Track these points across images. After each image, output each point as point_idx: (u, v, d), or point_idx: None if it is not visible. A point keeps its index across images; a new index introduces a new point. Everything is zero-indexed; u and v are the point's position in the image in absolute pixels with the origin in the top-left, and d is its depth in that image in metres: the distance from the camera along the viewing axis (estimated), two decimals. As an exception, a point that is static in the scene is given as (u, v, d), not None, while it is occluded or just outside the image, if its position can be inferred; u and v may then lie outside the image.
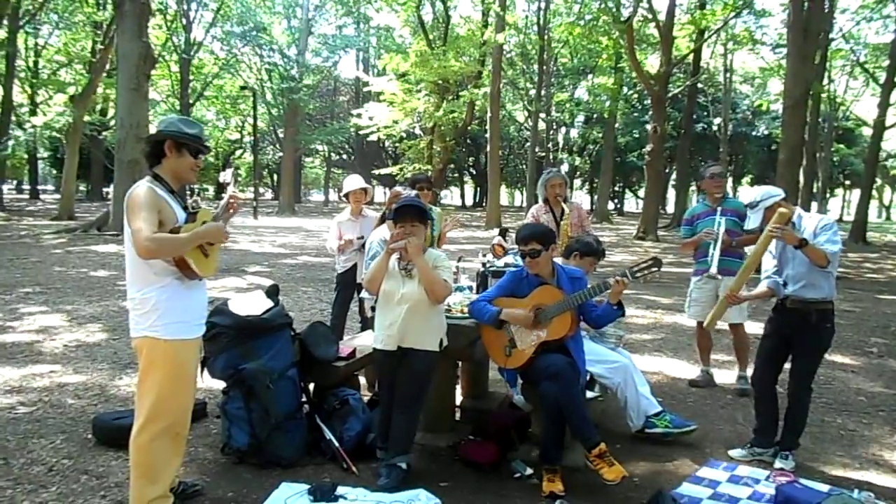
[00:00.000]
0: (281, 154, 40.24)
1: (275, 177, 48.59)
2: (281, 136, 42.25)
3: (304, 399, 3.88)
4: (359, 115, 30.02)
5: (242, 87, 36.16)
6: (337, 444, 3.63)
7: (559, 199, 5.22)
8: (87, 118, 27.49)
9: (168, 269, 2.76)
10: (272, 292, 3.91)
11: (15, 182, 51.42)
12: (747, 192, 4.20)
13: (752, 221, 3.79)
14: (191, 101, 35.84)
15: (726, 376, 5.54)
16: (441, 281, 3.41)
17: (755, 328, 5.73)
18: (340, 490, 3.21)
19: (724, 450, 4.00)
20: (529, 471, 3.57)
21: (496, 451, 3.68)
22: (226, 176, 3.19)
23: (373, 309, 3.79)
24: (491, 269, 4.59)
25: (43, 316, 7.31)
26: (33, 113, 30.07)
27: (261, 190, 43.27)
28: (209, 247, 2.89)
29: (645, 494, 3.28)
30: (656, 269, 3.47)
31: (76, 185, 28.06)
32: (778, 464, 3.72)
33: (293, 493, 3.19)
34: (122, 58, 16.63)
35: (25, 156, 36.65)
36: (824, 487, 3.38)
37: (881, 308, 9.72)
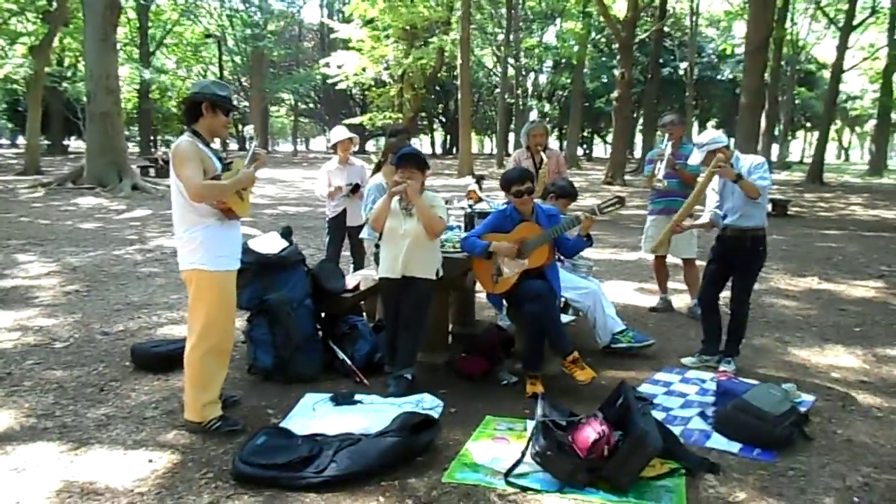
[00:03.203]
0: (247, 104, 39.72)
1: (240, 127, 47.93)
2: (246, 84, 41.59)
3: (318, 326, 4.44)
4: (326, 65, 29.76)
5: (206, 36, 35.37)
6: (349, 361, 4.21)
7: (539, 147, 5.75)
8: (46, 69, 26.84)
9: (210, 210, 3.26)
10: (286, 234, 4.42)
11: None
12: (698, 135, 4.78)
13: (694, 158, 4.40)
14: (150, 50, 35.05)
15: (682, 303, 6.25)
16: (437, 217, 3.96)
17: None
18: (358, 396, 3.82)
19: (678, 359, 4.69)
20: (514, 379, 4.21)
21: (486, 364, 4.31)
22: (249, 130, 3.66)
23: (377, 246, 4.33)
24: (476, 210, 5.14)
25: (45, 265, 7.69)
26: (-16, 65, 29.11)
27: (227, 141, 42.75)
28: (243, 191, 3.38)
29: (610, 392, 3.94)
30: (620, 205, 4.06)
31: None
32: (721, 367, 4.42)
33: (318, 399, 3.78)
34: (89, 8, 16.40)
35: (-21, 109, 35.67)
36: (756, 383, 4.07)
37: (827, 242, 10.57)
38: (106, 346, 4.84)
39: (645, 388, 4.13)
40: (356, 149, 6.28)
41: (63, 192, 16.17)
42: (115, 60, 17.27)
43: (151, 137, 36.22)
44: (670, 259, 6.12)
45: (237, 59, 39.25)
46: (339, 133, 6.20)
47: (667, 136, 5.79)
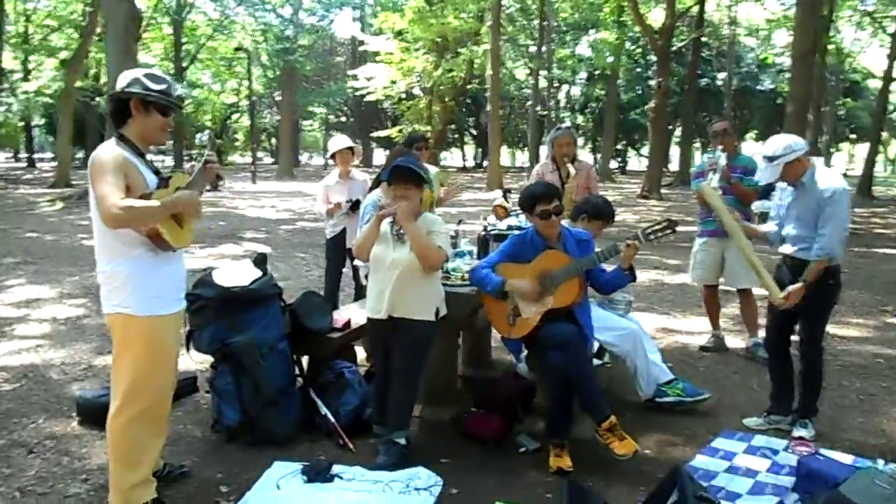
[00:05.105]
0: (279, 117, 39.64)
1: (272, 140, 47.96)
2: (278, 98, 41.54)
3: (297, 373, 3.69)
4: (355, 77, 29.41)
5: (237, 49, 35.37)
6: (333, 419, 3.45)
7: (566, 159, 4.91)
8: (79, 84, 26.98)
9: (138, 239, 2.52)
10: (260, 261, 3.68)
11: (12, 151, 50.98)
12: (754, 147, 3.89)
13: (769, 175, 3.46)
14: (185, 65, 35.25)
15: (738, 340, 5.34)
16: (434, 247, 3.16)
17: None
18: (336, 469, 3.03)
19: (740, 418, 3.80)
20: (535, 445, 3.39)
21: (501, 424, 3.49)
22: (202, 138, 2.94)
23: (367, 277, 3.57)
24: (493, 232, 4.34)
25: (31, 288, 7.11)
26: (26, 79, 29.49)
27: (259, 154, 42.67)
28: (184, 215, 2.64)
29: (658, 468, 3.10)
30: (671, 231, 3.23)
31: (72, 152, 27.64)
32: (797, 432, 3.52)
33: (286, 472, 3.01)
34: (110, 20, 16.15)
35: (20, 123, 36.05)
36: (847, 458, 3.19)
37: (891, 265, 9.49)
38: (58, 389, 4.15)
39: (700, 461, 3.27)
40: (357, 161, 5.50)
41: (82, 206, 15.82)
42: (137, 73, 16.96)
43: (185, 151, 36.45)
44: (724, 287, 5.24)
45: (269, 73, 39.22)
46: (338, 143, 5.49)
47: (720, 147, 4.91)
